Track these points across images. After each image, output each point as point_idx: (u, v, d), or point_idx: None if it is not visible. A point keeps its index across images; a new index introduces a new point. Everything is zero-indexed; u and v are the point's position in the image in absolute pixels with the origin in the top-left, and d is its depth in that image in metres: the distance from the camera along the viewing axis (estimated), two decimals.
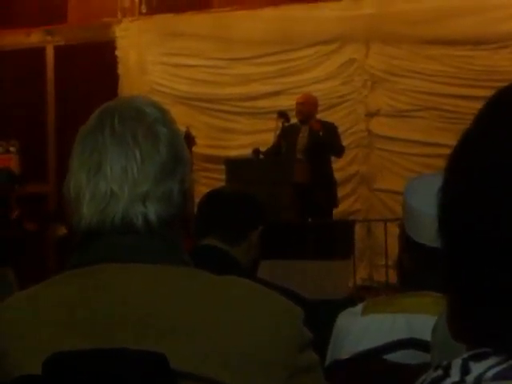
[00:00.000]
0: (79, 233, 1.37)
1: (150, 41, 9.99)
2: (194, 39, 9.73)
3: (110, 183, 1.34)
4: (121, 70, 10.01)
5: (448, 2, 8.89)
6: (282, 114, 7.97)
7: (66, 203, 1.39)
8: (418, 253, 2.12)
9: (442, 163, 0.83)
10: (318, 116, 8.22)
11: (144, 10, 10.03)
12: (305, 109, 7.98)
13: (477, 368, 0.74)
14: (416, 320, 2.08)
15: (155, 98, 1.54)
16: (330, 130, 7.92)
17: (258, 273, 2.98)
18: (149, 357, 1.24)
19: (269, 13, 9.48)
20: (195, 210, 2.72)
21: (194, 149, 7.91)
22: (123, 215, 1.34)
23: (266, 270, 3.54)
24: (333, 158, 8.08)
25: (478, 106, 0.82)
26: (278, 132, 7.86)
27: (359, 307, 2.25)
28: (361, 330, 2.17)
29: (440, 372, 0.76)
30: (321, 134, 7.74)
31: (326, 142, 7.74)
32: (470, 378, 0.73)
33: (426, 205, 1.96)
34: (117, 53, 10.03)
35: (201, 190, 3.24)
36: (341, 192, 8.85)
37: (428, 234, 1.76)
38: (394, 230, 6.26)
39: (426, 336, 1.65)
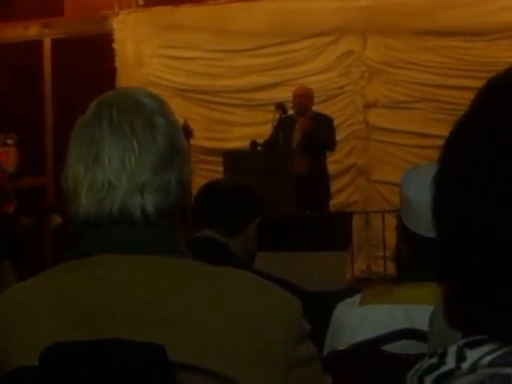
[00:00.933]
0: (77, 223, 1.37)
1: (148, 33, 9.96)
2: (192, 31, 9.70)
3: (107, 174, 1.34)
4: (118, 62, 9.97)
5: None
6: (280, 106, 7.96)
7: (65, 194, 1.39)
8: (416, 243, 2.12)
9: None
10: (316, 108, 8.20)
11: (141, 3, 10.02)
12: (301, 101, 7.97)
13: (472, 355, 0.74)
14: (414, 310, 2.08)
15: (153, 90, 1.54)
16: (325, 123, 7.90)
17: (256, 264, 2.98)
18: (147, 348, 1.24)
19: (266, 5, 9.45)
20: (193, 201, 2.72)
21: (192, 141, 7.88)
22: (121, 206, 1.34)
23: (264, 261, 3.54)
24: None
25: None
26: (274, 123, 7.85)
27: (357, 298, 2.25)
28: (358, 321, 2.17)
29: (435, 359, 0.76)
30: (311, 129, 7.70)
31: (318, 138, 7.72)
32: (465, 365, 0.74)
33: (423, 195, 1.96)
34: (114, 45, 9.99)
35: (199, 182, 3.24)
36: (339, 184, 8.84)
37: (425, 224, 1.76)
38: (392, 221, 6.25)
39: (425, 326, 1.64)
